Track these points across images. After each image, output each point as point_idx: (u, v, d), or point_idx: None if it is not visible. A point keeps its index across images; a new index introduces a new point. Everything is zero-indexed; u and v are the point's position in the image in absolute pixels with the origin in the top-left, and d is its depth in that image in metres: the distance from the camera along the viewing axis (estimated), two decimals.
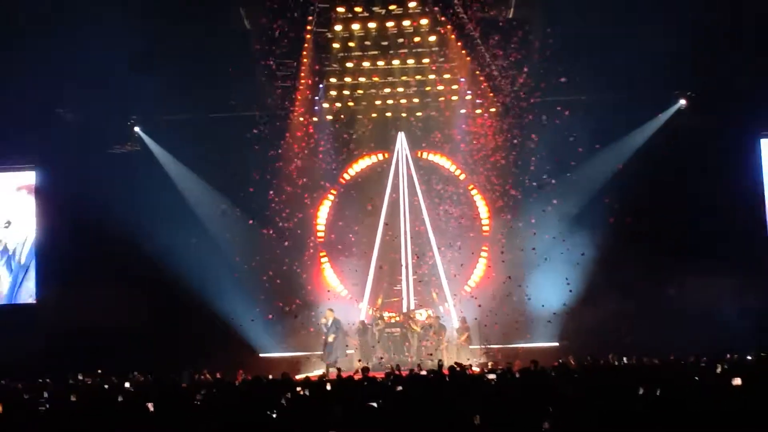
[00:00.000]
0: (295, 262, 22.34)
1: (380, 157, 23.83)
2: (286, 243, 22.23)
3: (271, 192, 21.81)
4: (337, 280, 23.32)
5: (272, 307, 21.75)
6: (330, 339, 20.13)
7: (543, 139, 21.26)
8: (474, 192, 23.43)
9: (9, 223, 23.54)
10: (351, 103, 23.23)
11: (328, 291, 22.56)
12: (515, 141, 21.92)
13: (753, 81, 20.52)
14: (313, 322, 21.43)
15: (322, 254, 23.41)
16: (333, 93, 22.87)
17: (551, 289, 20.88)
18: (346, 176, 23.76)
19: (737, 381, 9.73)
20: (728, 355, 16.24)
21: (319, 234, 23.51)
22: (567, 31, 19.80)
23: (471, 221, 23.04)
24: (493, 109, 22.60)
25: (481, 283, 22.72)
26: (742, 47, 19.81)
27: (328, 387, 11.46)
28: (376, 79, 22.27)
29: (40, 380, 16.45)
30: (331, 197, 23.65)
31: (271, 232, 22.08)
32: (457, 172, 23.54)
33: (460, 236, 22.68)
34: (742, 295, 19.80)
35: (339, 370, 15.69)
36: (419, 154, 23.64)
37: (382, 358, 20.60)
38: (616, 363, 16.80)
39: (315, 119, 23.16)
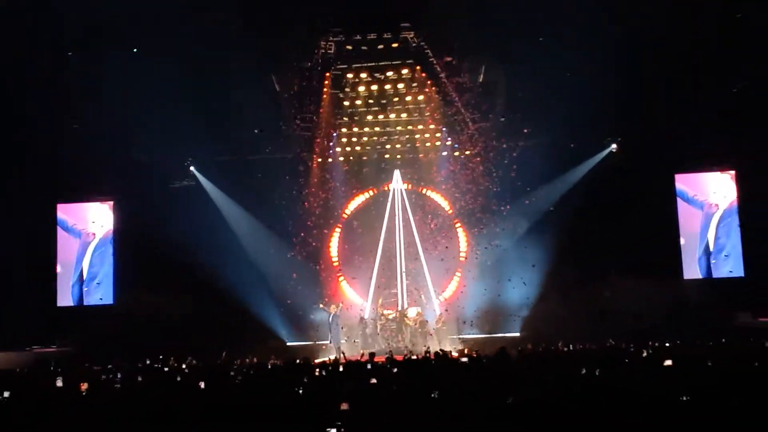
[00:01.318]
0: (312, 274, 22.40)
1: (374, 192, 23.71)
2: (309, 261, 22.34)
3: (291, 222, 21.91)
4: (351, 290, 23.26)
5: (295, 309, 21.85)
6: (331, 328, 20.26)
7: (506, 172, 21.41)
8: (458, 226, 23.27)
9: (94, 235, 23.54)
10: (358, 148, 23.23)
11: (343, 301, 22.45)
12: (485, 175, 22.02)
13: (668, 128, 20.58)
14: (323, 308, 21.14)
15: (339, 276, 23.34)
16: (344, 140, 22.91)
17: (514, 291, 21.10)
18: (347, 212, 23.64)
19: (668, 362, 9.67)
20: (650, 343, 16.19)
21: (334, 260, 23.47)
22: (525, 90, 19.87)
23: (451, 245, 22.97)
24: (467, 152, 22.65)
25: (453, 295, 22.72)
26: (659, 101, 19.82)
27: (341, 368, 11.42)
28: (377, 128, 22.41)
29: (114, 364, 16.35)
30: (339, 229, 23.65)
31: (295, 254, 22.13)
32: (441, 201, 23.46)
33: (441, 250, 22.75)
34: (657, 297, 19.75)
35: (343, 353, 15.54)
36: (409, 187, 23.54)
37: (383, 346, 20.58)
38: (564, 349, 16.70)
39: (330, 160, 23.21)
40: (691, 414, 5.73)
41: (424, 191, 23.57)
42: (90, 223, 23.55)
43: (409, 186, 23.52)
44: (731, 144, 21.16)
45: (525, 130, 21.16)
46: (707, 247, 22.45)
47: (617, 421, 5.51)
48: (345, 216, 23.60)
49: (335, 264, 23.39)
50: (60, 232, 23.42)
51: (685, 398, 6.29)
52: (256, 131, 20.95)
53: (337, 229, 23.54)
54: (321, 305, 20.89)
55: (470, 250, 22.75)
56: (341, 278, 23.30)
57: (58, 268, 23.28)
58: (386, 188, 23.54)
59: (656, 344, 15.91)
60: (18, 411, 7.38)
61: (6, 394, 8.49)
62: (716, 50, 18.37)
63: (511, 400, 6.63)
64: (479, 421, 5.68)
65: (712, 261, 22.40)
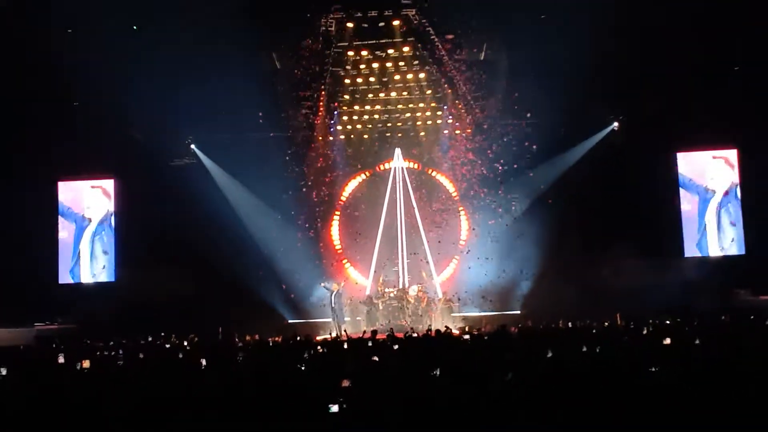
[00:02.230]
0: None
1: (369, 173, 23.78)
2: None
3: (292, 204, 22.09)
4: (356, 271, 23.40)
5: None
6: (334, 305, 20.43)
7: (506, 150, 21.40)
8: (461, 210, 23.30)
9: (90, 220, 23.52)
10: (359, 126, 23.18)
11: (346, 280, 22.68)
12: (485, 152, 22.04)
13: (670, 107, 20.48)
14: (324, 286, 21.29)
15: (344, 260, 23.47)
16: (345, 118, 22.85)
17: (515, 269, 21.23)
18: (343, 197, 23.69)
19: (667, 341, 9.72)
20: (650, 321, 16.24)
21: (337, 246, 23.55)
22: (527, 68, 19.76)
23: (452, 229, 23.04)
24: (468, 130, 22.61)
25: (454, 273, 22.85)
26: (662, 81, 19.71)
27: (345, 346, 11.47)
28: (378, 107, 22.35)
29: (116, 341, 16.44)
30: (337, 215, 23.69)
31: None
32: (447, 184, 23.46)
33: (443, 230, 22.80)
34: (656, 275, 19.79)
35: (345, 331, 15.60)
36: (417, 166, 23.59)
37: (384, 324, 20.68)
38: (565, 327, 16.77)
39: (330, 138, 23.16)
40: (685, 393, 5.74)
41: (431, 172, 23.57)
42: (86, 209, 23.49)
43: (416, 165, 23.52)
44: (733, 122, 21.07)
45: (528, 114, 21.17)
46: (706, 227, 22.48)
47: (616, 398, 5.52)
48: (342, 201, 23.64)
49: (338, 250, 23.46)
50: (60, 212, 23.41)
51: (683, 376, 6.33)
52: (260, 115, 20.87)
53: (336, 215, 23.58)
54: (323, 284, 20.95)
55: (470, 237, 22.80)
56: (346, 262, 23.38)
57: (59, 246, 23.30)
58: (383, 167, 23.59)
59: (656, 322, 15.96)
60: (20, 387, 7.42)
61: (3, 371, 8.53)
62: (718, 31, 18.25)
63: (510, 376, 6.66)
64: (479, 397, 5.70)
65: (712, 239, 22.45)
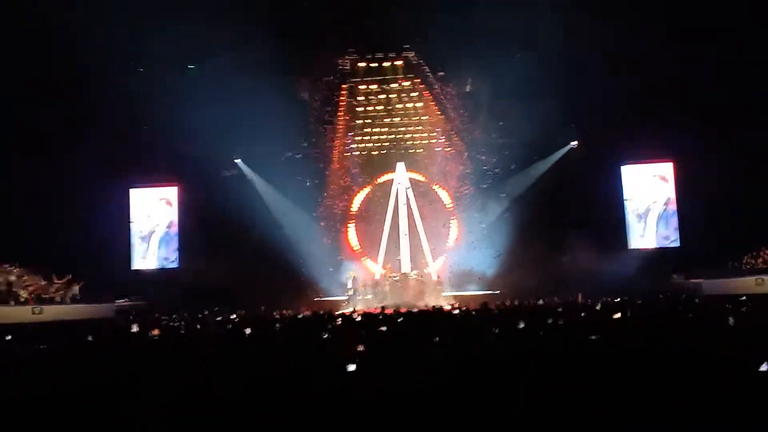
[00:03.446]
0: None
1: (372, 186, 23.57)
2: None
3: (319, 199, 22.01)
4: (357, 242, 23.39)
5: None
6: (350, 293, 20.53)
7: (487, 164, 21.47)
8: (437, 188, 23.27)
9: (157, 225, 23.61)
10: (369, 145, 23.18)
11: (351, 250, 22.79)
12: (468, 162, 22.07)
13: (617, 129, 20.47)
14: (344, 279, 21.64)
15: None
16: (357, 138, 22.86)
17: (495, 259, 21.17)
18: (354, 208, 23.57)
19: (617, 315, 9.65)
20: (603, 299, 16.16)
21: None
22: (503, 99, 19.75)
23: (442, 210, 23.00)
24: (458, 147, 22.62)
25: (455, 243, 22.73)
26: (611, 109, 19.62)
27: (358, 319, 11.45)
28: (384, 129, 22.37)
29: (179, 315, 16.49)
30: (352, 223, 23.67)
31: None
32: (443, 195, 23.37)
33: (437, 221, 22.78)
34: (607, 263, 19.74)
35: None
36: (422, 178, 23.41)
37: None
38: (534, 304, 16.71)
39: (347, 155, 23.17)
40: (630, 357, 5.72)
41: (434, 186, 23.41)
42: (154, 211, 23.58)
43: (421, 176, 23.33)
44: (669, 140, 21.04)
45: (501, 140, 21.18)
46: (647, 225, 22.40)
47: (572, 361, 5.51)
48: (352, 212, 23.58)
49: (352, 212, 23.40)
50: (132, 213, 23.55)
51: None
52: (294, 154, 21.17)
53: (351, 224, 23.52)
54: (350, 274, 21.06)
55: (459, 238, 22.77)
56: (351, 224, 23.40)
57: (132, 240, 23.42)
58: (383, 179, 23.45)
59: (608, 299, 15.89)
60: (103, 350, 7.46)
61: (90, 337, 8.58)
62: (658, 69, 18.21)
63: (491, 341, 6.66)
64: (466, 360, 5.70)
65: (652, 234, 22.38)
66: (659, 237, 22.30)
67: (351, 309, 19.62)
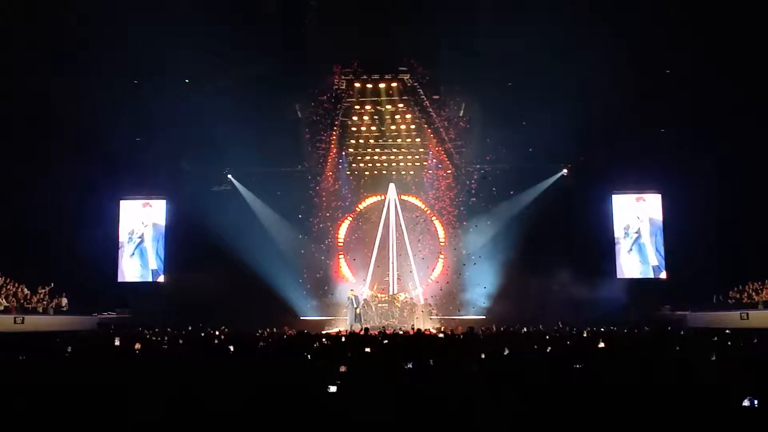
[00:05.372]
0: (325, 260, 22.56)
1: (384, 196, 23.47)
2: (323, 246, 22.50)
3: (311, 219, 22.05)
4: (350, 272, 23.22)
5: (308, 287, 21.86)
6: (359, 311, 20.12)
7: (478, 189, 21.59)
8: (434, 219, 23.30)
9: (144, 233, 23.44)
10: (362, 165, 23.27)
11: (343, 278, 22.63)
12: (460, 188, 22.20)
13: (609, 158, 20.69)
14: (331, 299, 21.56)
15: (340, 254, 23.35)
16: (351, 158, 22.94)
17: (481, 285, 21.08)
18: (360, 207, 23.62)
19: (601, 344, 9.67)
20: (588, 327, 16.19)
21: (339, 241, 23.40)
22: (496, 124, 19.88)
23: (433, 237, 23.03)
24: (448, 171, 22.74)
25: (440, 276, 22.63)
26: (603, 137, 19.71)
27: (342, 339, 11.40)
28: (377, 149, 22.46)
29: (162, 329, 16.33)
30: (348, 220, 23.54)
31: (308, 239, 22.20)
32: (424, 207, 23.39)
33: (425, 246, 22.77)
34: (594, 292, 19.82)
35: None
36: (401, 196, 23.55)
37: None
38: (521, 331, 16.69)
39: (339, 172, 23.18)
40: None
41: (407, 198, 23.37)
42: (142, 224, 23.41)
43: (418, 201, 23.39)
44: (658, 173, 21.34)
45: (487, 158, 21.37)
46: (635, 255, 22.54)
47: (557, 386, 5.52)
48: (357, 210, 23.53)
49: (339, 244, 23.30)
50: (120, 225, 23.39)
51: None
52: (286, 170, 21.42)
53: (348, 219, 23.42)
54: (350, 293, 20.63)
55: (448, 237, 22.71)
56: (341, 256, 23.25)
57: (119, 252, 23.22)
58: (370, 200, 23.56)
59: (594, 329, 15.92)
60: (83, 363, 7.37)
61: (69, 349, 8.48)
62: (652, 97, 18.47)
63: (475, 368, 6.64)
64: (449, 384, 5.68)
65: (638, 265, 22.50)
66: (647, 267, 22.41)
67: (357, 328, 19.37)
